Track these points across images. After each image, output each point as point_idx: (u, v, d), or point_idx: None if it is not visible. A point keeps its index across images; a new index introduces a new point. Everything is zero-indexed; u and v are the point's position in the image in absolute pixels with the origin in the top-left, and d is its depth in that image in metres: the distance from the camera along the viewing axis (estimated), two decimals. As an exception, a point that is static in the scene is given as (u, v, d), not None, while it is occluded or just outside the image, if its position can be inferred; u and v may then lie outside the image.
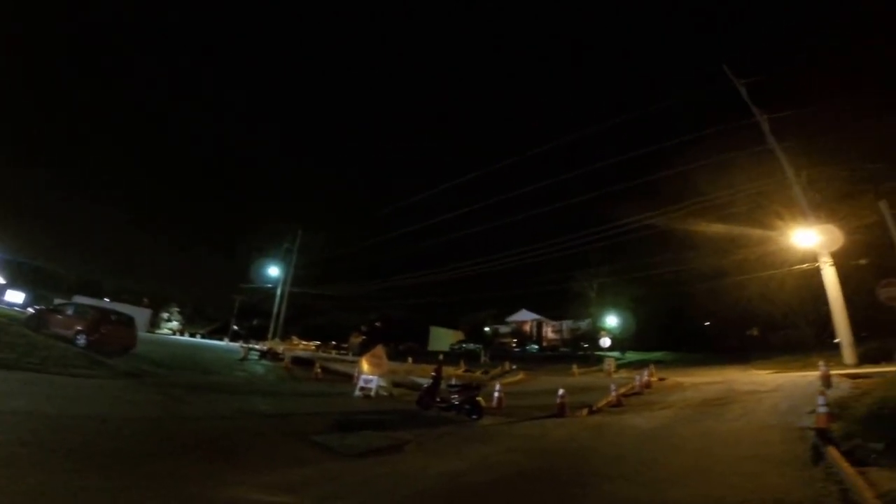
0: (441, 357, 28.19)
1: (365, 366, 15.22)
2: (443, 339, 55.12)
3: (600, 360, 28.17)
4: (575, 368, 25.09)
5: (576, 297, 44.96)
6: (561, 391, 11.55)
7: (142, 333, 21.18)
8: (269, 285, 41.93)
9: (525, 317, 60.00)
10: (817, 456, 6.06)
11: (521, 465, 6.49)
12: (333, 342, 46.80)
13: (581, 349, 43.74)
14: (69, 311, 16.82)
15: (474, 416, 10.54)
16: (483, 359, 36.01)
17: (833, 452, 5.88)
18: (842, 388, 11.44)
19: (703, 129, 19.54)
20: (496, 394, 12.84)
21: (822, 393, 8.56)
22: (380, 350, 16.42)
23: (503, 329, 60.18)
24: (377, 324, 57.68)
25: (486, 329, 58.31)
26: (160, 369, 14.75)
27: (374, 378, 14.63)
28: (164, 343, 27.65)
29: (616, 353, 37.78)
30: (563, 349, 49.32)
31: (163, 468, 4.83)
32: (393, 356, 23.33)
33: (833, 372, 13.71)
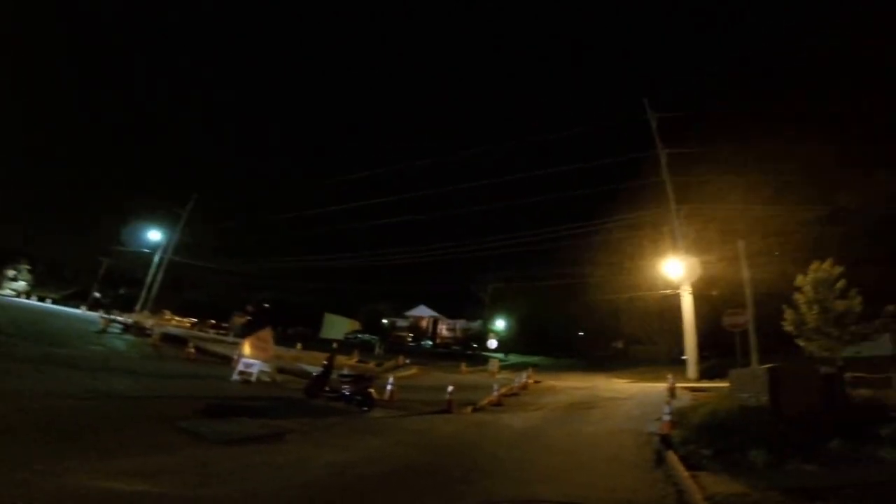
0: (335, 345, 27.50)
1: (247, 349, 14.30)
2: (338, 326, 53.70)
3: (486, 360, 29.47)
4: (464, 367, 25.95)
5: (472, 299, 47.03)
6: (450, 388, 11.89)
7: None
8: (147, 250, 37.70)
9: (423, 312, 60.86)
10: (660, 459, 6.88)
11: (410, 458, 6.53)
12: (212, 321, 43.36)
13: (471, 348, 45.52)
14: None
15: (365, 408, 10.45)
16: (378, 350, 35.77)
17: (672, 457, 6.71)
18: (684, 399, 13.12)
19: (618, 153, 21.53)
20: (389, 386, 12.87)
21: (668, 402, 9.79)
22: (266, 333, 15.54)
23: (401, 323, 60.43)
24: (266, 305, 54.56)
25: (384, 321, 58.15)
26: None
27: (257, 363, 13.83)
28: (5, 306, 24.46)
29: (500, 355, 39.89)
30: (455, 347, 50.79)
31: None
32: (281, 341, 22.23)
33: (678, 384, 15.81)
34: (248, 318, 50.19)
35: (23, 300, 41.24)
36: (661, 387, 16.44)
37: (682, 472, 5.89)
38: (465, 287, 44.74)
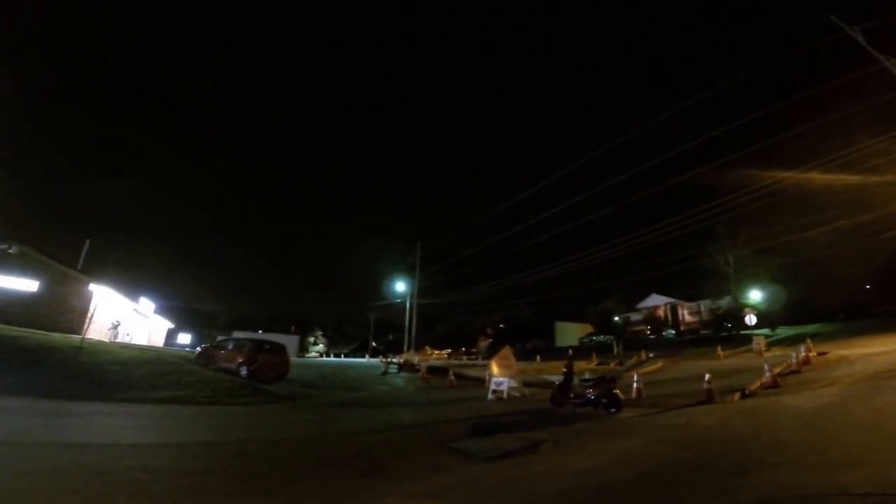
0: (570, 352, 27.63)
1: (495, 368, 15.56)
2: (570, 333, 53.72)
3: (748, 339, 25.44)
4: (719, 351, 23.07)
5: (710, 275, 41.02)
6: (707, 376, 10.88)
7: (294, 358, 23.16)
8: (398, 300, 44.41)
9: (657, 301, 55.83)
10: None
11: (669, 456, 6.13)
12: (463, 348, 48.31)
13: (724, 330, 39.69)
14: (230, 346, 18.18)
15: (613, 410, 10.30)
16: (616, 350, 34.50)
17: None
18: None
19: (819, 84, 16.42)
20: (634, 384, 12.42)
21: None
22: (507, 351, 16.63)
23: (634, 317, 56.65)
24: (501, 325, 58.11)
25: (616, 319, 55.52)
26: (312, 390, 16.14)
27: (505, 380, 14.91)
28: (314, 365, 30.03)
29: (765, 331, 33.89)
30: (703, 332, 44.99)
31: (320, 485, 5.25)
32: (520, 356, 23.43)
33: None
34: (490, 340, 54.41)
35: (324, 359, 52.95)
36: None
37: None
38: (698, 263, 39.22)
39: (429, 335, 54.68)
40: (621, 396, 10.75)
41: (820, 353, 16.75)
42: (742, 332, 34.86)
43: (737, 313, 38.70)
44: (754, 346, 22.73)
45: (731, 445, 6.50)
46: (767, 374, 11.97)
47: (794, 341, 22.15)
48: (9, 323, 18.86)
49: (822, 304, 37.42)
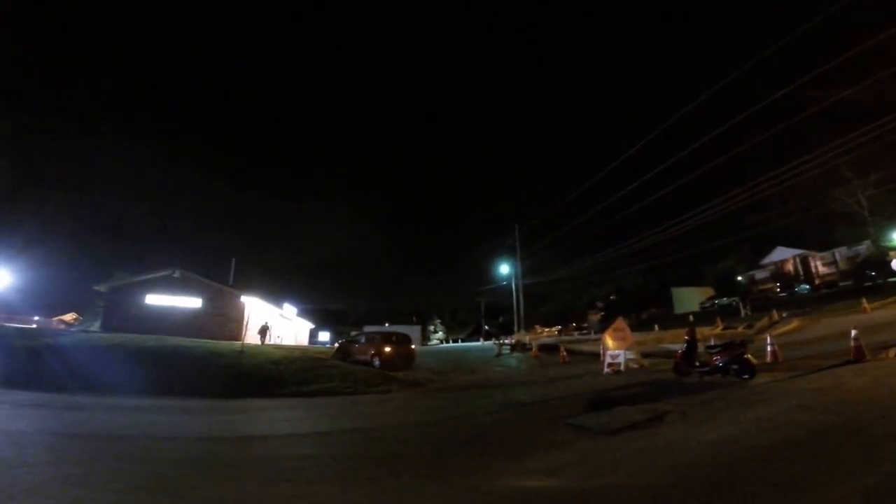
0: (691, 318, 25.79)
1: (609, 341, 15.16)
2: (689, 298, 49.87)
3: (900, 286, 21.73)
4: (865, 303, 20.13)
5: (841, 219, 35.33)
6: (853, 332, 9.67)
7: (417, 347, 24.75)
8: (504, 282, 44.76)
9: (783, 255, 49.43)
10: None
11: (812, 422, 5.57)
12: (573, 324, 47.33)
13: (868, 279, 34.12)
14: (362, 340, 20.50)
15: (745, 376, 9.56)
16: (743, 312, 31.38)
17: None
18: None
19: None
20: (768, 347, 11.46)
21: None
22: (621, 322, 16.09)
23: (759, 274, 50.89)
24: (612, 297, 55.79)
25: (739, 278, 50.29)
26: (436, 375, 17.20)
27: (621, 352, 14.48)
28: (435, 352, 31.79)
29: (921, 275, 28.35)
30: (843, 283, 39.02)
31: (444, 465, 5.49)
32: (636, 326, 22.37)
33: None
34: (601, 313, 52.61)
35: (444, 345, 55.45)
36: None
37: None
38: (828, 209, 33.84)
39: (537, 313, 54.39)
40: (754, 361, 9.90)
41: None
42: (890, 279, 29.76)
43: (881, 259, 33.12)
44: (909, 293, 19.41)
45: (889, 408, 5.75)
46: (933, 325, 10.23)
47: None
48: (182, 335, 22.67)
49: None
